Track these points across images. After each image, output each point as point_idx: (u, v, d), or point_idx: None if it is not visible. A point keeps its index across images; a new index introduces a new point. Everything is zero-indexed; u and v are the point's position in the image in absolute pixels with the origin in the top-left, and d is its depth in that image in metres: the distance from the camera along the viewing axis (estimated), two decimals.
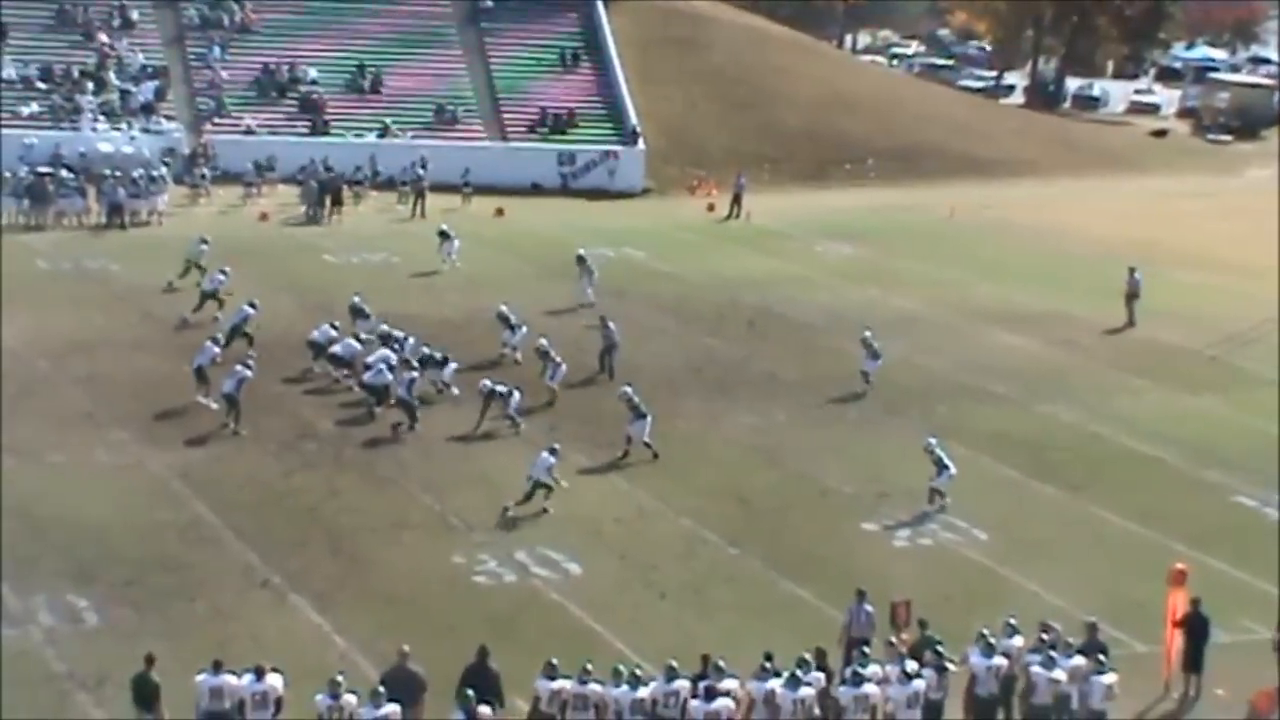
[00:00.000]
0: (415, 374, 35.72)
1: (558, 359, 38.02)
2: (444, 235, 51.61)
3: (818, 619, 26.44)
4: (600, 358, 40.08)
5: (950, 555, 29.93)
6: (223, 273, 43.47)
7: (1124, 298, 47.83)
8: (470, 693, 20.40)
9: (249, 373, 34.43)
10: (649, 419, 34.34)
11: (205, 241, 47.29)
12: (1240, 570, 29.17)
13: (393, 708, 20.21)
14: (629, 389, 35.33)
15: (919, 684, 21.80)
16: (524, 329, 40.94)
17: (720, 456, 34.72)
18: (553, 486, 31.07)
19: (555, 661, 21.40)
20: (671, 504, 31.64)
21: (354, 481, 32.10)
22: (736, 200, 63.35)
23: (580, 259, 47.86)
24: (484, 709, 20.26)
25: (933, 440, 32.79)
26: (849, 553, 29.78)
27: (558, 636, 25.11)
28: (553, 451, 31.43)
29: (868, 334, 40.75)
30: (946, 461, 32.07)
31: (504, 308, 41.70)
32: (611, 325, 40.38)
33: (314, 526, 29.74)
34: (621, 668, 21.71)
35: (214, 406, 34.99)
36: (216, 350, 36.07)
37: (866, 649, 23.17)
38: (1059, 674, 22.32)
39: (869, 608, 24.59)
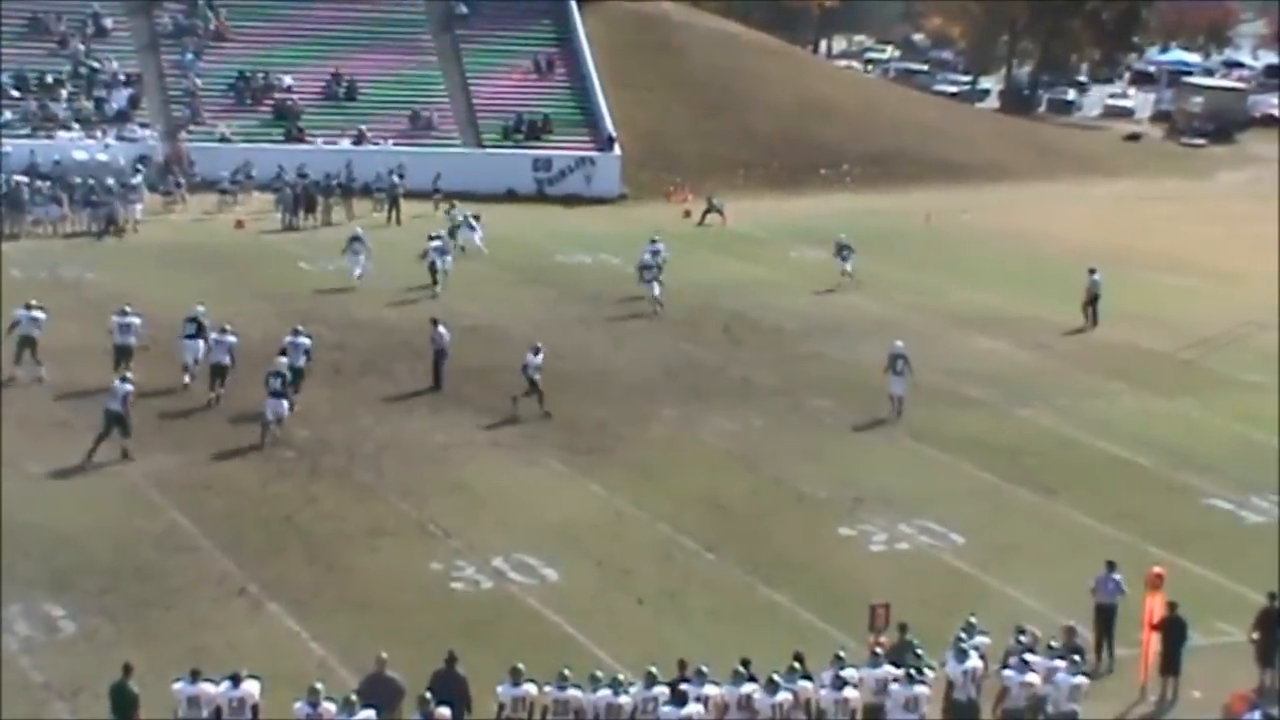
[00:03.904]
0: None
1: None
2: (648, 269, 48.55)
3: (795, 624, 26.50)
4: (433, 365, 39.01)
5: (927, 559, 29.98)
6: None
7: (1083, 300, 47.88)
8: (429, 695, 20.41)
9: (130, 388, 33.62)
10: (907, 378, 37.55)
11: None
12: (1215, 573, 29.24)
13: (368, 714, 20.18)
14: (899, 343, 38.16)
15: (921, 688, 21.79)
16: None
17: (696, 462, 34.74)
18: None
19: (521, 667, 21.38)
20: (648, 509, 31.65)
21: (331, 489, 32.06)
22: (709, 212, 63.16)
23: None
24: (443, 710, 20.26)
25: None
26: (826, 558, 29.82)
27: (535, 643, 25.09)
28: None
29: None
30: None
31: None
32: (442, 330, 39.24)
33: (291, 534, 29.69)
34: (599, 673, 21.73)
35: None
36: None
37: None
38: (1032, 678, 22.36)
39: (1117, 576, 25.62)
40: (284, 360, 35.68)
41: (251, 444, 34.07)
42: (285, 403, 34.50)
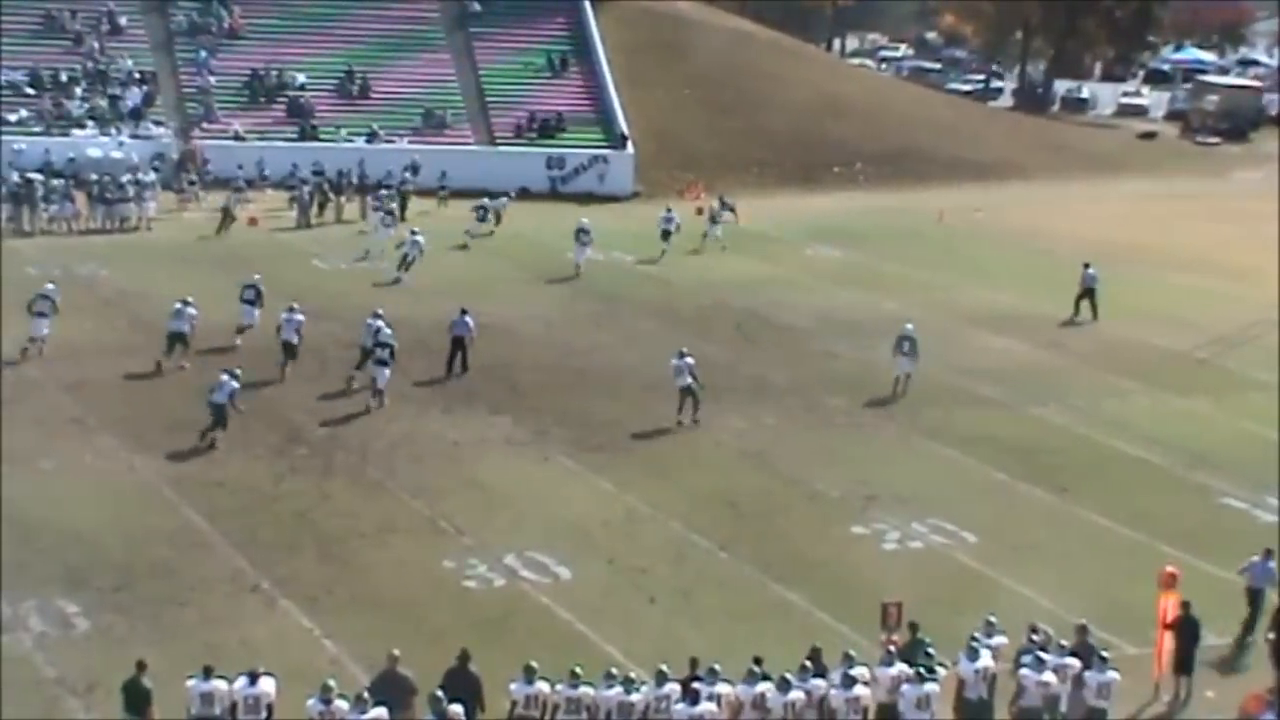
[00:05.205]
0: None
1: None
2: (585, 233, 52.96)
3: (807, 622, 26.47)
4: (454, 354, 39.60)
5: (940, 558, 29.95)
6: None
7: (1077, 294, 47.96)
8: (440, 694, 20.43)
9: (236, 385, 34.10)
10: (914, 359, 39.19)
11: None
12: (1230, 573, 29.13)
13: (380, 711, 20.19)
14: (909, 325, 39.91)
15: (931, 686, 21.77)
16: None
17: (709, 460, 34.73)
18: None
19: (534, 665, 21.41)
20: (661, 508, 31.64)
21: (343, 486, 32.09)
22: (722, 210, 63.19)
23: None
24: (455, 707, 20.27)
25: None
26: (839, 556, 29.80)
27: (547, 641, 25.11)
28: None
29: None
30: None
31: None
32: (468, 319, 39.78)
33: (304, 531, 29.72)
34: (613, 671, 21.73)
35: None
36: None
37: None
38: (1048, 676, 22.33)
39: (1272, 564, 26.51)
40: (389, 331, 37.08)
41: (262, 441, 34.14)
42: (388, 371, 36.42)
